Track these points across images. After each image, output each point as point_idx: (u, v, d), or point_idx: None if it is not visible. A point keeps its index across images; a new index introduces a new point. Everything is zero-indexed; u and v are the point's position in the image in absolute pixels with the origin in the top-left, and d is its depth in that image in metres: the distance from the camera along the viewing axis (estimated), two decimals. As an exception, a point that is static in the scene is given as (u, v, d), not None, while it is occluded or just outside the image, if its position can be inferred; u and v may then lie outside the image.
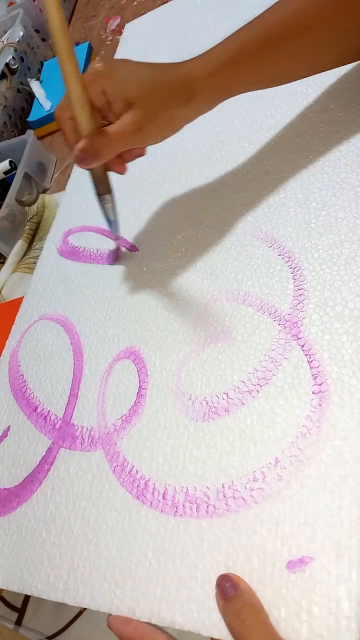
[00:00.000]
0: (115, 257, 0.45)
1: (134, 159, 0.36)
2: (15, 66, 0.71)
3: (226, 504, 0.28)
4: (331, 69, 0.38)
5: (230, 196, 0.41)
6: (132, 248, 0.44)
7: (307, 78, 0.38)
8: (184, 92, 0.33)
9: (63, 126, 0.33)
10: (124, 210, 0.47)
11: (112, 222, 0.39)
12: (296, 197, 0.37)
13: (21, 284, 0.56)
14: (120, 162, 0.35)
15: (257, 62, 0.34)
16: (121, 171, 0.36)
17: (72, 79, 0.31)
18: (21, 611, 0.35)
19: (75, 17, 0.89)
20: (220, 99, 0.35)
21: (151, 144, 0.35)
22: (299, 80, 0.37)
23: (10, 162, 0.63)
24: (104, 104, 0.32)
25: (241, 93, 0.36)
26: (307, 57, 0.35)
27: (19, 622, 0.35)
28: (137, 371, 0.36)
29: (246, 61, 0.33)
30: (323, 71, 0.37)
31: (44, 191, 0.65)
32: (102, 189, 0.36)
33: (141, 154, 0.36)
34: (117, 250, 0.44)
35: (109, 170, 0.36)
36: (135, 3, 0.78)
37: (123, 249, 0.45)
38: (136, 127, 0.32)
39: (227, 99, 0.35)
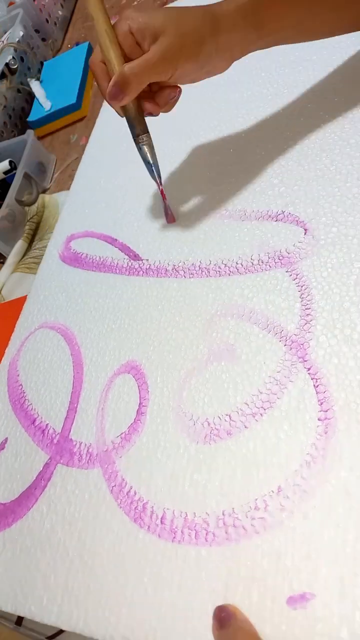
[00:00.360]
0: (167, 214, 0.42)
1: (167, 102, 0.36)
2: (15, 66, 0.70)
3: (226, 532, 0.27)
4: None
5: (239, 211, 0.40)
6: (136, 257, 0.43)
7: (313, 85, 0.36)
8: (210, 23, 0.33)
9: (95, 71, 0.35)
10: (128, 217, 0.47)
11: (152, 165, 0.38)
12: (306, 212, 0.36)
13: (21, 284, 0.55)
14: (152, 102, 0.36)
15: (288, 4, 0.34)
16: (154, 111, 0.37)
17: (100, 21, 0.33)
18: (21, 611, 0.34)
19: (75, 17, 0.88)
20: (249, 39, 0.34)
21: (184, 82, 0.35)
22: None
23: (10, 162, 0.63)
24: (133, 45, 0.33)
25: (268, 42, 0.35)
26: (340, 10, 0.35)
27: (19, 622, 0.34)
28: (138, 387, 0.35)
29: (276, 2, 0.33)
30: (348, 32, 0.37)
31: (44, 191, 0.64)
32: (139, 129, 0.36)
33: (174, 96, 0.36)
34: (164, 200, 0.41)
35: (143, 111, 0.36)
36: (135, 3, 0.77)
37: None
38: (162, 55, 0.32)
39: (256, 46, 0.35)
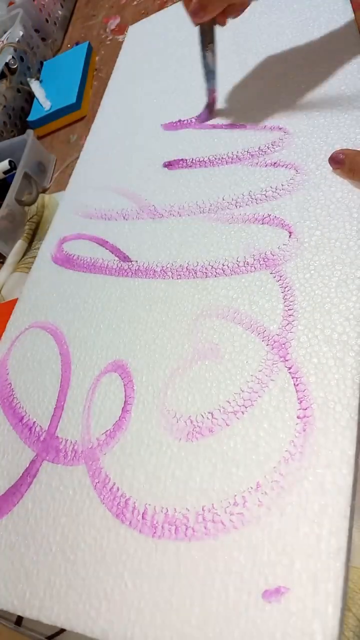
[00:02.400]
0: (209, 111, 0.49)
1: (236, 16, 0.42)
2: (15, 66, 0.71)
3: (205, 528, 0.28)
4: None
5: (227, 213, 0.41)
6: (126, 259, 0.44)
7: (300, 92, 0.37)
8: None
9: None
10: (119, 219, 0.47)
11: (212, 71, 0.46)
12: (291, 215, 0.37)
13: (21, 284, 0.55)
14: (223, 15, 0.42)
15: None
16: (222, 23, 0.43)
17: None
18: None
19: (75, 17, 0.88)
20: None
21: None
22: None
23: (10, 162, 0.63)
24: None
25: None
26: None
27: (19, 622, 0.34)
28: (124, 385, 0.36)
29: None
30: None
31: (44, 191, 0.65)
32: (208, 38, 0.43)
33: (242, 11, 0.42)
34: (211, 104, 0.49)
35: (215, 23, 0.42)
36: (135, 3, 0.78)
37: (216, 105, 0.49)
38: None
39: None
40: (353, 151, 0.36)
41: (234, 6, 0.41)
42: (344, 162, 0.36)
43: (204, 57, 0.44)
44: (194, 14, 0.40)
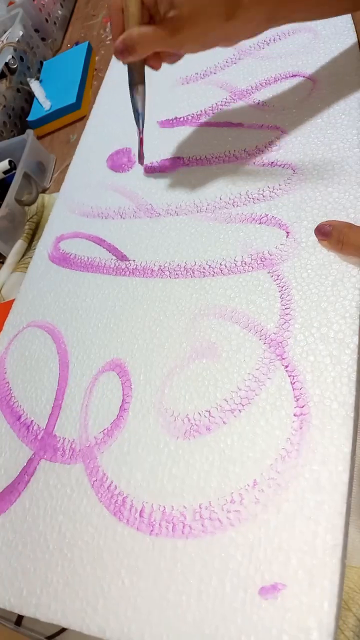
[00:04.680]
0: (140, 156, 0.46)
1: (171, 62, 0.38)
2: (15, 66, 0.71)
3: (202, 525, 0.28)
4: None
5: (224, 213, 0.41)
6: (123, 258, 0.44)
7: (296, 92, 0.37)
8: (229, 6, 0.32)
9: (112, 17, 0.36)
10: (116, 218, 0.47)
11: (139, 114, 0.41)
12: (288, 215, 0.37)
13: (20, 284, 0.55)
14: (156, 59, 0.38)
15: None
16: (155, 67, 0.39)
17: None
18: (21, 611, 0.35)
19: (75, 17, 0.88)
20: (262, 25, 0.35)
21: (186, 52, 0.36)
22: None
23: (10, 162, 0.63)
24: (152, 1, 0.34)
25: (283, 23, 0.36)
26: None
27: (18, 622, 0.34)
28: (122, 384, 0.36)
29: None
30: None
31: (44, 191, 0.65)
32: (136, 79, 0.39)
33: (178, 59, 0.38)
34: (141, 146, 0.45)
35: (144, 63, 0.38)
36: None
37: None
38: (171, 31, 0.33)
39: (269, 27, 0.36)
40: (341, 223, 0.33)
41: (167, 53, 0.37)
42: (332, 234, 0.33)
43: (132, 98, 0.40)
44: (119, 52, 0.36)
